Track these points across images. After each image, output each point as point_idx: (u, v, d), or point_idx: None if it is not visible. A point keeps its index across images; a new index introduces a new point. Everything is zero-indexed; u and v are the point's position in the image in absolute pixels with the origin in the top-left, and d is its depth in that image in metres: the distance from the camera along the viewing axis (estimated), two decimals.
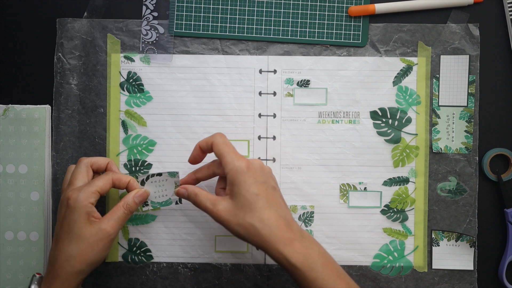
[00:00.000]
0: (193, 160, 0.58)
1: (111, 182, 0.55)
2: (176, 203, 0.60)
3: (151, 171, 0.62)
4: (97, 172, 0.58)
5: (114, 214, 0.54)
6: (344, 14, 0.63)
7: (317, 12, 0.63)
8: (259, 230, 0.50)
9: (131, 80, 0.63)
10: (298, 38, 0.63)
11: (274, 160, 0.63)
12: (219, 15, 0.63)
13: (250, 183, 0.51)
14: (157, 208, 0.61)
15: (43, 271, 0.62)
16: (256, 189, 0.51)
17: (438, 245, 0.63)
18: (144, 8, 0.63)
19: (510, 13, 0.63)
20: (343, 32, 0.63)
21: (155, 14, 0.63)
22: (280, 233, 0.50)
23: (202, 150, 0.57)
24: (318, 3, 0.62)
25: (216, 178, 0.59)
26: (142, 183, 0.58)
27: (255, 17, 0.63)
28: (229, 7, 0.63)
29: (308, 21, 0.63)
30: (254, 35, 0.63)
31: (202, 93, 0.63)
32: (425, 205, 0.63)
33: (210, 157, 0.58)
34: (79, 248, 0.52)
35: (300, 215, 0.63)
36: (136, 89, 0.63)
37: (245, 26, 0.63)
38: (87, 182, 0.55)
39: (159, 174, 0.57)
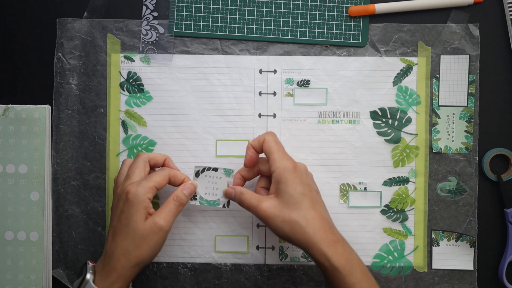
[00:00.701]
0: (250, 161, 0.57)
1: (167, 178, 0.56)
2: (224, 206, 0.59)
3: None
4: (154, 168, 0.59)
5: (165, 208, 0.54)
6: (344, 14, 0.63)
7: (317, 12, 0.63)
8: (304, 229, 0.51)
9: (131, 80, 0.63)
10: (298, 38, 0.63)
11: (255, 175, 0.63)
12: (219, 15, 0.63)
13: (297, 183, 0.53)
14: (204, 205, 0.59)
15: (43, 271, 0.62)
16: (302, 189, 0.52)
17: (438, 245, 0.63)
18: (144, 8, 0.63)
19: (510, 13, 0.63)
20: (343, 32, 0.63)
21: (155, 14, 0.63)
22: (324, 234, 0.51)
23: (255, 150, 0.57)
24: (318, 3, 0.62)
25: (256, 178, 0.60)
26: (197, 174, 0.59)
27: (255, 17, 0.63)
28: (229, 7, 0.63)
29: (308, 21, 0.63)
30: (254, 35, 0.63)
31: (202, 93, 0.63)
32: (425, 205, 0.63)
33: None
34: (135, 242, 0.52)
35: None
36: (136, 89, 0.63)
37: (245, 26, 0.63)
38: (145, 177, 0.55)
39: (215, 169, 0.58)
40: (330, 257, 0.51)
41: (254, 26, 0.63)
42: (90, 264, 0.54)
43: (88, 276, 0.53)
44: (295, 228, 0.51)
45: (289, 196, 0.52)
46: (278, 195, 0.53)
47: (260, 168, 0.58)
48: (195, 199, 0.58)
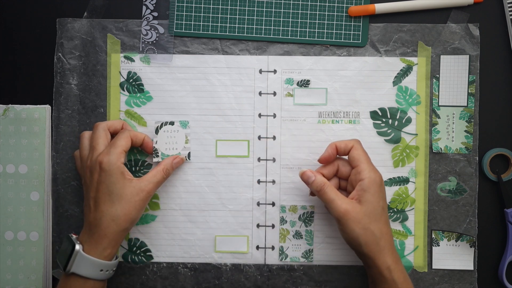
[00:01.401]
0: (326, 159, 0.59)
1: (130, 139, 0.58)
2: (185, 158, 0.62)
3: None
4: (113, 135, 0.60)
5: (154, 178, 0.57)
6: (344, 14, 0.63)
7: (317, 12, 0.63)
8: (378, 240, 0.54)
9: (131, 80, 0.63)
10: (298, 38, 0.63)
11: (274, 160, 0.63)
12: (219, 15, 0.63)
13: (381, 197, 0.55)
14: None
15: (43, 272, 0.62)
16: (383, 203, 0.55)
17: (438, 245, 0.63)
18: (144, 8, 0.63)
19: (510, 13, 0.63)
20: (343, 32, 0.63)
21: (155, 14, 0.63)
22: (391, 250, 0.55)
23: (337, 151, 0.58)
24: (318, 3, 0.62)
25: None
26: (156, 131, 0.61)
27: (255, 17, 0.63)
28: (229, 7, 0.63)
29: (308, 21, 0.63)
30: (254, 35, 0.63)
31: (202, 93, 0.63)
32: (425, 205, 0.63)
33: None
34: (123, 208, 0.55)
35: (300, 215, 0.63)
36: (136, 89, 0.63)
37: (245, 26, 0.63)
38: (110, 144, 0.56)
39: (172, 123, 0.61)
40: (392, 271, 0.54)
41: (254, 26, 0.63)
42: (74, 236, 0.55)
43: (78, 246, 0.54)
44: (369, 238, 0.54)
45: (373, 208, 0.54)
46: (361, 202, 0.55)
47: (341, 169, 0.59)
48: (157, 156, 0.60)
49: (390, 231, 0.56)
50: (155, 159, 0.61)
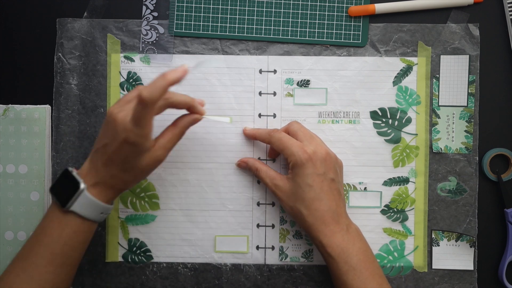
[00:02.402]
0: (250, 134, 0.62)
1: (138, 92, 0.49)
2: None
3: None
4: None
5: (170, 143, 0.54)
6: (344, 14, 0.63)
7: (317, 12, 0.63)
8: (305, 217, 0.55)
9: (131, 80, 0.63)
10: (298, 38, 0.63)
11: (274, 160, 0.63)
12: (219, 15, 0.63)
13: (307, 174, 0.55)
14: None
15: None
16: (311, 181, 0.55)
17: (438, 245, 0.63)
18: (144, 8, 0.63)
19: (510, 13, 0.63)
20: (343, 32, 0.63)
21: (155, 14, 0.63)
22: (323, 224, 0.55)
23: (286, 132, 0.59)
24: (318, 3, 0.62)
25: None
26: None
27: (255, 17, 0.63)
28: (229, 7, 0.63)
29: (308, 21, 0.63)
30: (254, 35, 0.63)
31: (202, 93, 0.63)
32: (425, 205, 0.63)
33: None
34: (135, 176, 0.53)
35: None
36: None
37: (245, 26, 0.63)
38: (134, 119, 0.49)
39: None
40: (325, 245, 0.54)
41: (254, 26, 0.63)
42: (75, 171, 0.52)
43: (82, 185, 0.51)
44: (297, 215, 0.56)
45: (298, 187, 0.55)
46: (290, 181, 0.56)
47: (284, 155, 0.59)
48: None
49: (325, 206, 0.55)
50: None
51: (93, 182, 0.52)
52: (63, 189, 0.52)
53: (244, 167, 0.62)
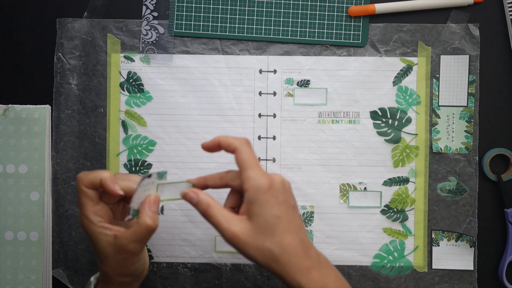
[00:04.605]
0: (207, 149, 0.51)
1: (87, 191, 0.50)
2: (161, 213, 0.57)
3: (151, 171, 0.62)
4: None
5: (136, 235, 0.49)
6: (344, 14, 0.63)
7: (317, 12, 0.63)
8: (278, 257, 0.46)
9: (131, 80, 0.63)
10: (298, 38, 0.63)
11: (274, 160, 0.63)
12: (219, 15, 0.63)
13: (272, 204, 0.47)
14: (136, 217, 0.50)
15: (43, 271, 0.62)
16: (277, 211, 0.47)
17: (438, 245, 0.63)
18: (144, 8, 0.63)
19: (510, 13, 0.63)
20: (343, 32, 0.63)
21: (155, 14, 0.63)
22: (298, 261, 0.47)
23: (220, 146, 0.51)
24: (318, 3, 0.63)
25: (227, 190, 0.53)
26: (135, 192, 0.49)
27: (255, 17, 0.63)
28: (229, 7, 0.63)
29: (308, 21, 0.63)
30: (254, 35, 0.63)
31: (202, 93, 0.63)
32: (425, 205, 0.63)
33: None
34: (113, 267, 0.50)
35: (300, 215, 0.63)
36: (136, 89, 0.63)
37: (245, 26, 0.63)
38: (81, 204, 0.50)
39: (149, 176, 0.49)
40: (304, 286, 0.46)
41: (254, 26, 0.63)
42: (93, 279, 0.55)
43: None
44: (268, 257, 0.46)
45: (264, 221, 0.46)
46: (250, 218, 0.47)
47: (229, 183, 0.50)
48: (128, 213, 0.50)
49: (297, 237, 0.47)
50: (126, 218, 0.50)
51: (101, 284, 0.53)
52: None
53: (191, 198, 0.49)
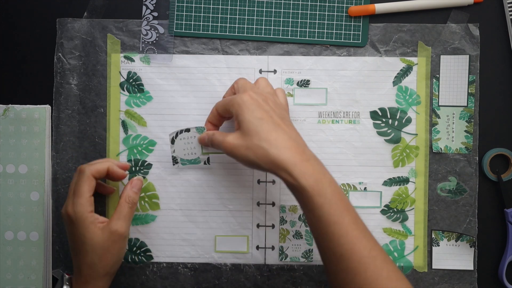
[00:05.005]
0: (211, 121, 0.59)
1: (92, 179, 0.55)
2: (205, 163, 0.62)
3: (153, 168, 0.62)
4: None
5: (120, 213, 0.55)
6: (344, 14, 0.63)
7: (317, 12, 0.63)
8: (268, 150, 0.49)
9: (131, 80, 0.63)
10: (298, 38, 0.63)
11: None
12: (219, 15, 0.63)
13: (253, 109, 0.51)
14: (185, 165, 0.62)
15: (43, 271, 0.62)
16: (259, 114, 0.51)
17: (438, 245, 0.63)
18: (144, 8, 0.63)
19: (510, 13, 0.63)
20: (343, 32, 0.63)
21: (155, 14, 0.63)
22: (289, 153, 0.49)
23: (219, 114, 0.57)
24: (318, 3, 0.62)
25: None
26: (172, 141, 0.60)
27: (255, 17, 0.63)
28: (229, 7, 0.63)
29: (308, 21, 0.63)
30: (254, 35, 0.63)
31: (202, 93, 0.63)
32: (425, 205, 0.63)
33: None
34: (98, 255, 0.53)
35: (300, 215, 0.63)
36: (136, 89, 0.63)
37: (245, 26, 0.63)
38: (74, 192, 0.54)
39: (187, 130, 0.59)
40: (297, 177, 0.48)
41: (254, 26, 0.63)
42: (67, 276, 0.57)
43: None
44: (258, 152, 0.50)
45: (249, 123, 0.51)
46: (239, 127, 0.52)
47: (223, 114, 0.57)
48: (176, 162, 0.61)
49: (286, 135, 0.51)
50: (174, 166, 0.62)
51: (75, 283, 0.55)
52: None
53: (203, 138, 0.58)
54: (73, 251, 0.55)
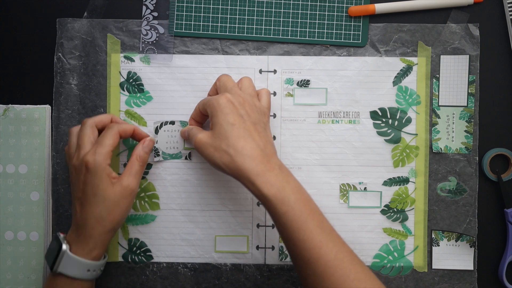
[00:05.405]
0: (194, 118, 0.60)
1: (118, 135, 0.56)
2: (186, 158, 0.62)
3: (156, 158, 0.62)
4: (102, 130, 0.58)
5: (131, 169, 0.56)
6: (344, 14, 0.63)
7: (317, 12, 0.63)
8: (233, 158, 0.51)
9: (131, 80, 0.63)
10: (298, 38, 0.63)
11: None
12: (219, 15, 0.63)
13: (227, 113, 0.52)
14: (166, 159, 0.62)
15: (43, 272, 0.62)
16: (232, 119, 0.52)
17: (438, 245, 0.63)
18: (144, 8, 0.63)
19: (510, 13, 0.63)
20: (343, 32, 0.63)
21: (155, 14, 0.63)
22: (254, 163, 0.51)
23: (201, 112, 0.58)
24: (318, 3, 0.63)
25: None
26: (156, 131, 0.61)
27: (255, 17, 0.63)
28: (229, 7, 0.63)
29: (308, 21, 0.63)
30: (254, 35, 0.63)
31: (202, 93, 0.63)
32: (425, 205, 0.63)
33: None
34: (108, 208, 0.54)
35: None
36: (136, 89, 0.63)
37: (245, 26, 0.63)
38: (98, 143, 0.55)
39: (172, 123, 0.61)
40: (259, 186, 0.50)
41: (254, 26, 0.63)
42: (62, 235, 0.55)
43: (64, 246, 0.53)
44: (224, 158, 0.52)
45: (220, 127, 0.52)
46: (212, 127, 0.54)
47: (203, 112, 0.58)
48: (158, 155, 0.62)
49: (253, 144, 0.52)
50: (156, 158, 0.62)
51: (76, 239, 0.54)
52: (52, 253, 0.54)
53: (183, 131, 0.60)
54: (78, 202, 0.54)
